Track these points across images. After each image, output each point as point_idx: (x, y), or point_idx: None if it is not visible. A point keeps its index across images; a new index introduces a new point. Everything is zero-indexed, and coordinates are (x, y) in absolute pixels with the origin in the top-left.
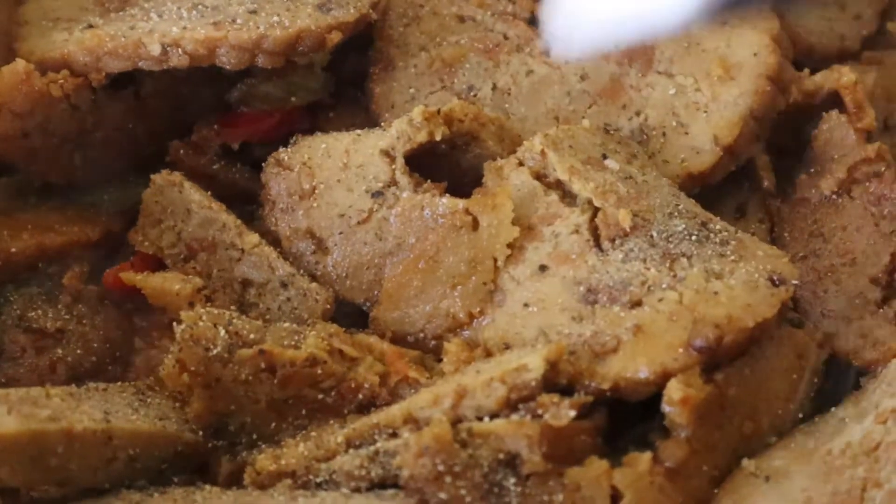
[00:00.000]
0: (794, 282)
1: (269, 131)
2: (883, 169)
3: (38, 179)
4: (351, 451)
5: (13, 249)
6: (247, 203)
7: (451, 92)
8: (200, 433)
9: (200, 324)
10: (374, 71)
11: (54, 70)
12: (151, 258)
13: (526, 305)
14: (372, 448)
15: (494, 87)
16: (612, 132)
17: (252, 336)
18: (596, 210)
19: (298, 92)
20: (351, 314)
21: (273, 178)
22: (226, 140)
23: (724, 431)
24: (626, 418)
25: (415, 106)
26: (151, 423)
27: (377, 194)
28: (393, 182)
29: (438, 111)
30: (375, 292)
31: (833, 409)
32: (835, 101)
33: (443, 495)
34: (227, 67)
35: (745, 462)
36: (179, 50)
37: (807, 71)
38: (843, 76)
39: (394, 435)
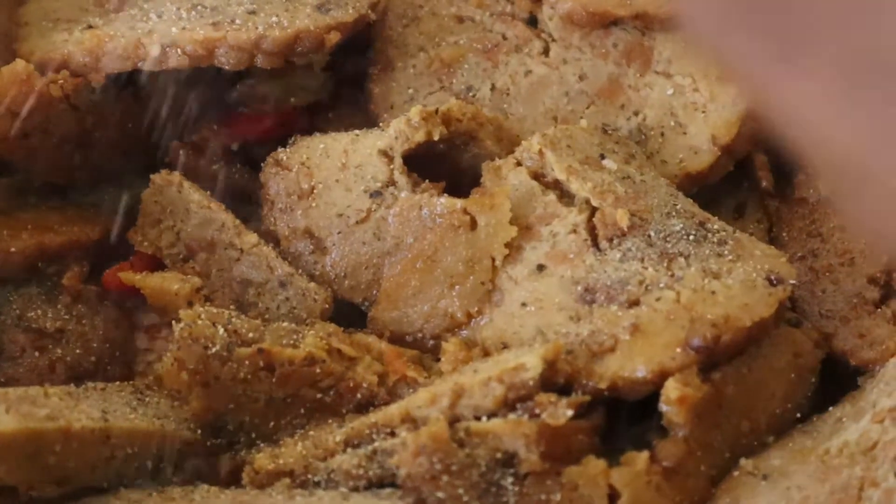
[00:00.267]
0: (792, 281)
1: (267, 131)
2: None
3: (37, 179)
4: (349, 450)
5: (12, 249)
6: (246, 203)
7: (450, 92)
8: (199, 432)
9: (199, 322)
10: (373, 71)
11: (54, 70)
12: (150, 258)
13: (524, 305)
14: (370, 447)
15: (493, 88)
16: (610, 132)
17: (251, 335)
18: (594, 210)
19: (297, 92)
20: (349, 314)
21: (272, 178)
22: (225, 140)
23: (721, 431)
24: (623, 418)
25: (413, 106)
26: (150, 422)
27: (375, 194)
28: (391, 182)
29: (436, 111)
30: (374, 292)
31: (831, 408)
32: None
33: (440, 494)
34: (226, 68)
35: (743, 461)
36: (178, 50)
37: None
38: None
39: (392, 434)
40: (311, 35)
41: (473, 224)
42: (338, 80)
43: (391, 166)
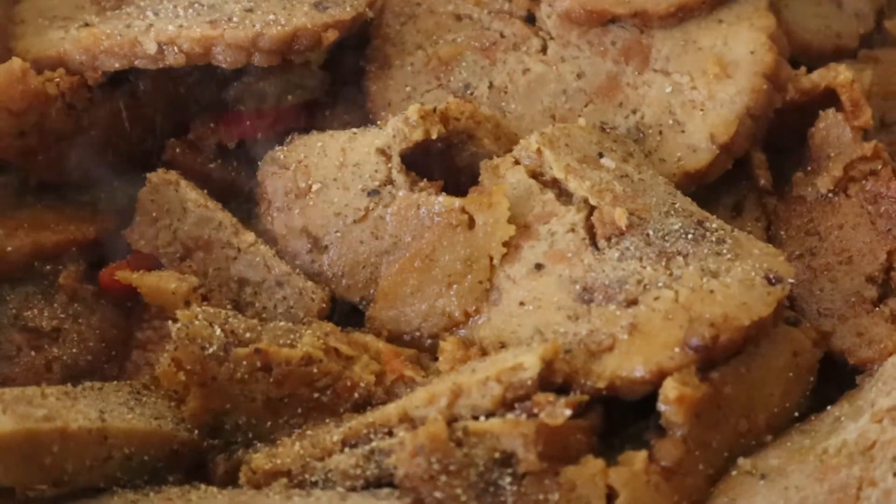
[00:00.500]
0: (791, 280)
1: (265, 130)
2: (879, 167)
3: (33, 178)
4: (346, 450)
5: (9, 248)
6: (243, 202)
7: (448, 90)
8: (196, 432)
9: (196, 322)
10: (371, 69)
11: (50, 68)
12: (147, 257)
13: (522, 304)
14: (367, 447)
15: (491, 86)
16: (608, 130)
17: (248, 335)
18: (592, 208)
19: (295, 90)
20: (347, 313)
21: (269, 176)
22: (222, 138)
23: (719, 430)
24: (621, 417)
25: (411, 104)
26: (147, 422)
27: (373, 193)
28: (389, 180)
29: (434, 109)
30: (371, 291)
31: (829, 407)
32: (831, 99)
33: (438, 494)
34: (224, 66)
35: (741, 461)
36: (175, 48)
37: (803, 69)
38: (839, 74)
39: (389, 434)
40: (309, 33)
41: (471, 223)
42: (335, 79)
43: (389, 165)
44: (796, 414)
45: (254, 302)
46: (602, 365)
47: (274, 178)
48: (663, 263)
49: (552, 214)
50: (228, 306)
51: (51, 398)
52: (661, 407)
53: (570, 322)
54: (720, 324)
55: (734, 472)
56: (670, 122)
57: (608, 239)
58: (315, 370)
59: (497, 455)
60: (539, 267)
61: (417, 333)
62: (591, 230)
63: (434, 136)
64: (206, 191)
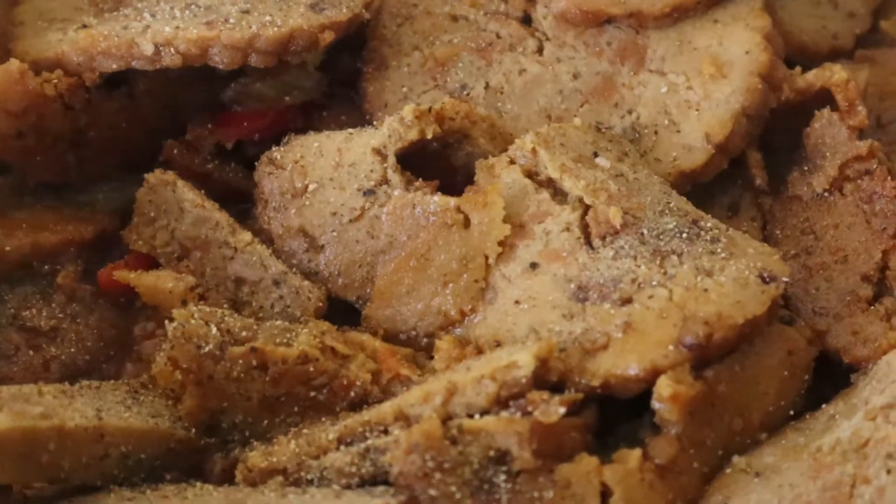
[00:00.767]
0: (785, 279)
1: (262, 130)
2: (874, 166)
3: (32, 179)
4: (342, 448)
5: (8, 248)
6: (240, 202)
7: (444, 91)
8: (193, 430)
9: (192, 321)
10: (367, 70)
11: (49, 70)
12: (145, 257)
13: (517, 303)
14: (363, 445)
15: (487, 86)
16: (603, 130)
17: (244, 334)
18: (587, 208)
19: (292, 91)
20: (343, 312)
21: (266, 176)
22: (219, 139)
23: (714, 428)
24: (616, 415)
25: (408, 105)
26: (144, 421)
27: (369, 192)
28: (385, 180)
29: (430, 109)
30: (367, 290)
31: (823, 406)
32: (827, 99)
33: (433, 492)
34: (220, 67)
35: (736, 459)
36: (172, 49)
37: (798, 69)
38: (834, 74)
39: (385, 432)
40: (305, 34)
41: (467, 222)
42: (332, 79)
43: (385, 164)
44: (791, 412)
45: (251, 301)
46: (596, 363)
47: (270, 178)
48: (658, 262)
49: (547, 214)
50: (225, 305)
51: (48, 396)
52: (656, 405)
53: (565, 321)
54: (714, 322)
55: (729, 470)
56: (666, 121)
57: (603, 238)
58: (311, 369)
59: (492, 453)
60: (534, 266)
61: (413, 332)
62: (585, 229)
63: (429, 136)
64: (203, 191)
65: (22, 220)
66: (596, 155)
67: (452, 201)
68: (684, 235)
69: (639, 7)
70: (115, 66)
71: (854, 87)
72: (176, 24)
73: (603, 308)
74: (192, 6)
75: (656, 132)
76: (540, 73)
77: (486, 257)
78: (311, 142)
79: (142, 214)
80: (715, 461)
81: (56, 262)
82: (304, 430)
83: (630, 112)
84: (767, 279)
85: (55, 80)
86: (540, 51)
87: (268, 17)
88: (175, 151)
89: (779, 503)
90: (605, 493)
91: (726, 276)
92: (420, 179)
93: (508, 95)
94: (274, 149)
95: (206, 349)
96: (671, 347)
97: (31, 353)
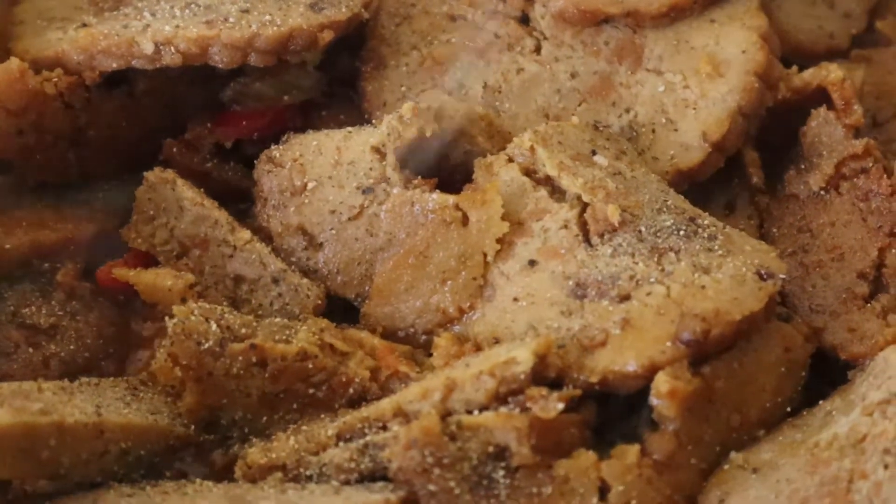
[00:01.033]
0: (782, 276)
1: (261, 129)
2: (870, 165)
3: (32, 177)
4: (341, 444)
5: (7, 246)
6: (239, 200)
7: (443, 90)
8: (192, 427)
9: (192, 318)
10: (366, 69)
11: (49, 69)
12: (144, 255)
13: (515, 300)
14: (362, 441)
15: (485, 86)
16: (601, 129)
17: (243, 331)
18: (585, 205)
19: (291, 90)
20: (342, 309)
21: (265, 175)
22: (219, 138)
23: (711, 424)
24: (614, 412)
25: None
26: (143, 417)
27: (368, 190)
28: (383, 178)
29: (428, 108)
30: (366, 287)
31: (821, 402)
32: (823, 97)
33: (432, 487)
34: (220, 66)
35: (734, 455)
36: (172, 48)
37: (795, 68)
38: (830, 73)
39: (383, 428)
40: (305, 33)
41: (465, 220)
42: (331, 79)
43: (383, 163)
44: (788, 408)
45: (250, 299)
46: (595, 360)
47: (270, 177)
48: (655, 259)
49: (545, 211)
50: (225, 303)
51: (47, 392)
52: (654, 401)
53: (563, 317)
54: (711, 318)
55: (726, 466)
56: (663, 120)
57: (601, 235)
58: (310, 366)
59: (490, 449)
60: (532, 263)
61: (412, 329)
62: (583, 227)
63: (428, 134)
64: (202, 189)
65: (22, 219)
66: (594, 153)
67: (451, 199)
68: (682, 233)
69: (636, 6)
70: (115, 65)
71: (850, 86)
72: (176, 23)
73: (601, 305)
74: (192, 5)
75: (654, 131)
76: (538, 72)
77: (485, 255)
78: (310, 140)
79: (141, 212)
80: (713, 457)
81: (56, 260)
82: (304, 427)
83: (627, 111)
84: (764, 276)
85: (55, 79)
86: (538, 50)
87: (267, 17)
88: (175, 150)
89: (776, 499)
90: (604, 489)
91: (723, 273)
92: (419, 177)
93: (506, 94)
94: (273, 147)
95: (206, 346)
96: (669, 344)
97: (30, 350)
